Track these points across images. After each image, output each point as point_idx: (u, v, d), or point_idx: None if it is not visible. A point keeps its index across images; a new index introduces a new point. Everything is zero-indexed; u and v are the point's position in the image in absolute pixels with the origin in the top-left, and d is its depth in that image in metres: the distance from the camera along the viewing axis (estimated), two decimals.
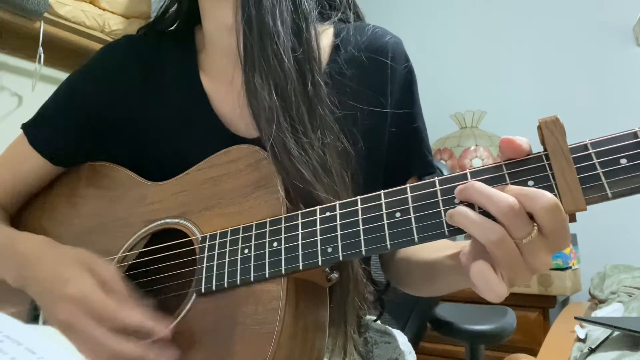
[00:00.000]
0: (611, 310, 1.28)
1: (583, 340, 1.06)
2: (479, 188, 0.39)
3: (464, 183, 0.40)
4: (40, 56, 1.61)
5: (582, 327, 1.13)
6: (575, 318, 1.16)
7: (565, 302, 1.82)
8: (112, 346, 0.46)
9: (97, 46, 1.74)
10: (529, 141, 0.41)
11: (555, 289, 1.64)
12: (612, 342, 0.94)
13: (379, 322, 0.78)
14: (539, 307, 1.66)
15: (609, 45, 2.01)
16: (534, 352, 1.18)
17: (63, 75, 1.79)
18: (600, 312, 1.33)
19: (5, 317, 0.29)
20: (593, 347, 0.95)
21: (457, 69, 2.33)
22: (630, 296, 1.37)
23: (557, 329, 1.29)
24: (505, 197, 0.37)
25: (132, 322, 0.47)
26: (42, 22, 1.59)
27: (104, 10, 1.81)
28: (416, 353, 0.77)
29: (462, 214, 0.39)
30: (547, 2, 2.16)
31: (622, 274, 1.59)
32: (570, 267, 1.71)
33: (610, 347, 0.92)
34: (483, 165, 0.42)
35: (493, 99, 2.21)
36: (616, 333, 0.95)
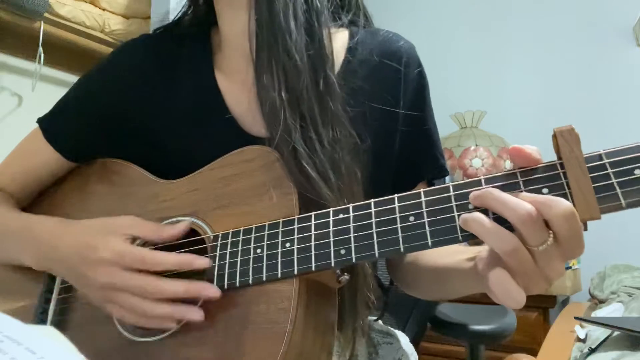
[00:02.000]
0: (611, 310, 1.28)
1: (583, 340, 1.06)
2: (496, 195, 0.39)
3: (479, 189, 0.40)
4: (40, 56, 1.61)
5: (582, 327, 1.13)
6: (575, 318, 1.16)
7: (565, 302, 1.82)
8: (155, 289, 0.48)
9: (97, 46, 1.75)
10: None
11: (555, 289, 1.64)
12: (612, 342, 0.94)
13: (380, 322, 0.78)
14: (539, 307, 1.66)
15: (609, 45, 2.01)
16: (534, 352, 1.18)
17: (63, 75, 1.79)
18: (600, 312, 1.33)
19: (5, 317, 0.29)
20: (593, 347, 0.95)
21: (457, 69, 2.33)
22: (630, 296, 1.37)
23: (557, 329, 1.28)
24: (523, 204, 0.37)
25: (171, 263, 0.49)
26: (42, 22, 1.59)
27: (104, 10, 1.81)
28: (416, 353, 0.77)
29: (476, 221, 0.39)
30: (547, 2, 2.16)
31: (622, 274, 1.59)
32: (570, 267, 1.71)
33: (610, 347, 0.92)
34: (497, 172, 0.42)
35: (493, 99, 2.21)
36: (616, 333, 0.95)
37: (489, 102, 2.18)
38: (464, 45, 2.34)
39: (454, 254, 0.52)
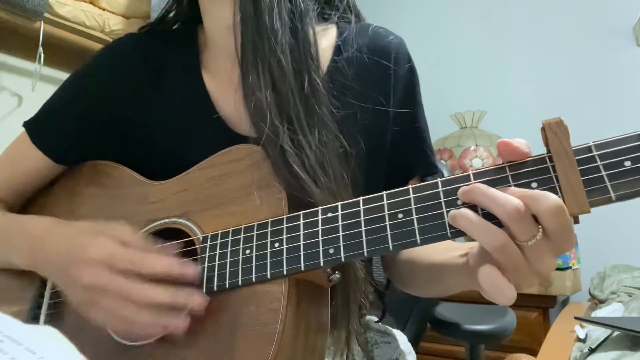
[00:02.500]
0: (611, 310, 1.28)
1: (583, 340, 1.06)
2: (484, 190, 0.38)
3: (468, 184, 0.40)
4: (40, 56, 1.61)
5: (582, 327, 1.13)
6: (575, 318, 1.16)
7: (565, 302, 1.82)
8: (141, 295, 0.45)
9: (97, 46, 1.74)
10: (528, 142, 0.40)
11: (555, 289, 1.64)
12: (612, 342, 0.94)
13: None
14: (539, 307, 1.66)
15: (609, 45, 2.01)
16: (534, 352, 1.18)
17: (63, 75, 1.79)
18: (600, 312, 1.33)
19: (5, 317, 0.29)
20: (593, 347, 0.95)
21: (457, 69, 2.33)
22: (630, 296, 1.37)
23: (557, 329, 1.28)
24: (510, 199, 0.37)
25: (160, 269, 0.46)
26: (42, 22, 1.59)
27: (104, 10, 1.80)
28: (416, 353, 0.77)
29: (464, 217, 0.38)
30: (547, 2, 2.16)
31: (622, 274, 1.59)
32: (570, 267, 1.71)
33: (610, 347, 0.92)
34: (486, 167, 0.41)
35: (493, 99, 2.21)
36: (616, 333, 0.95)
37: (488, 102, 2.18)
38: (464, 45, 2.34)
39: (449, 251, 0.52)
